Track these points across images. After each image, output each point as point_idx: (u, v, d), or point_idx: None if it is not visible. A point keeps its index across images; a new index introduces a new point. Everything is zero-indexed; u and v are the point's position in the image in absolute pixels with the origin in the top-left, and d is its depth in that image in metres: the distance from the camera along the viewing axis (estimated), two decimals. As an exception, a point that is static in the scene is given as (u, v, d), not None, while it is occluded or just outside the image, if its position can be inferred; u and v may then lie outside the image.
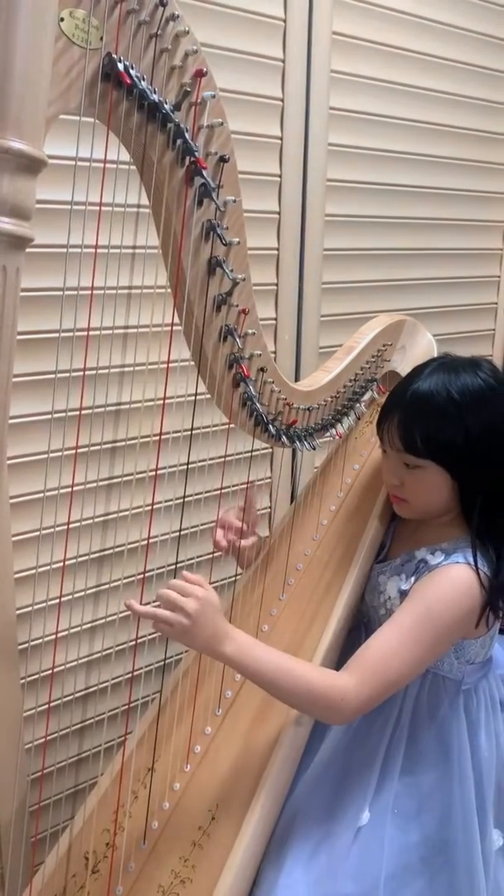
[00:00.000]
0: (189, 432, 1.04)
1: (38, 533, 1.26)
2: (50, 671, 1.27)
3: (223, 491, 1.26)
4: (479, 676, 1.18)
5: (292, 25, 1.53)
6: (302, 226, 1.65)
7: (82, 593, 1.36)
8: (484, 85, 1.95)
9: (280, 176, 1.59)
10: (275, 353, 1.66)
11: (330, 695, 0.99)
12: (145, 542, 1.30)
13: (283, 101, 1.56)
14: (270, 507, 1.74)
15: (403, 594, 1.11)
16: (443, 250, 1.98)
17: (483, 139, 1.98)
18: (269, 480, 1.72)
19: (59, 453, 0.99)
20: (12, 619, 1.28)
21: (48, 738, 1.29)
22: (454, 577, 1.06)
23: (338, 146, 1.68)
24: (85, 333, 0.89)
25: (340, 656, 1.19)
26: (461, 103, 1.91)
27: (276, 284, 1.64)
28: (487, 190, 2.04)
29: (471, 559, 1.06)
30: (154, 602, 0.96)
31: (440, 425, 1.07)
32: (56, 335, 1.18)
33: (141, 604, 0.94)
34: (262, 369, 1.09)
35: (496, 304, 2.16)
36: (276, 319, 1.65)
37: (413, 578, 1.12)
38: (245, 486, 1.25)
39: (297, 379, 1.69)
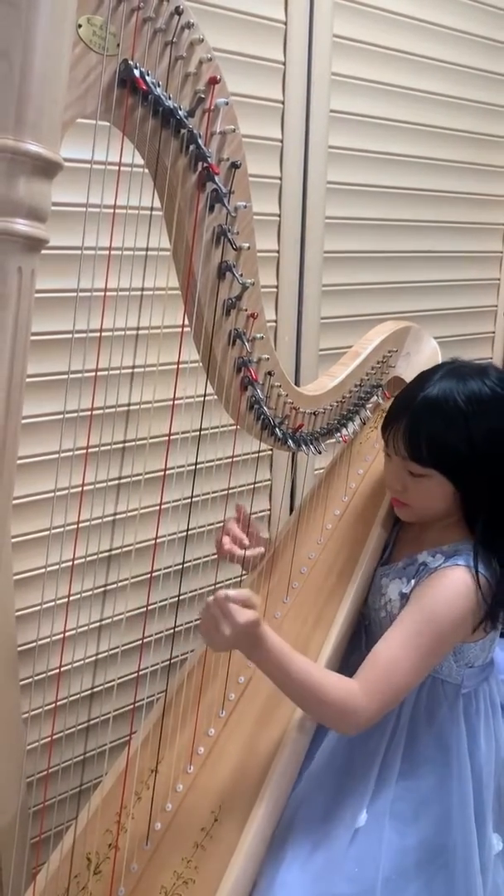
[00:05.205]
0: (198, 433, 1.05)
1: (47, 532, 1.26)
2: (57, 670, 1.27)
3: (230, 491, 1.26)
4: (479, 680, 1.18)
5: (293, 28, 1.54)
6: (302, 228, 1.65)
7: (90, 593, 1.36)
8: (484, 88, 1.96)
9: (280, 178, 1.59)
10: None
11: (344, 704, 1.00)
12: (153, 542, 1.30)
13: (283, 103, 1.56)
14: (269, 510, 1.74)
15: (404, 597, 1.12)
16: (443, 253, 1.99)
17: (483, 142, 2.00)
18: (269, 482, 1.73)
19: (70, 453, 0.99)
20: (12, 624, 1.28)
21: (54, 737, 1.30)
22: (453, 580, 1.06)
23: (338, 148, 1.68)
24: (97, 334, 0.89)
25: (342, 660, 1.19)
26: (461, 106, 1.92)
27: (277, 286, 1.64)
28: (488, 193, 2.05)
29: (471, 562, 1.06)
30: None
31: (445, 434, 1.05)
32: (69, 336, 1.19)
33: (149, 602, 0.94)
34: (269, 373, 1.09)
35: (496, 306, 2.17)
36: (276, 321, 1.65)
37: (414, 581, 1.12)
38: (247, 486, 1.25)
39: (296, 381, 1.69)
